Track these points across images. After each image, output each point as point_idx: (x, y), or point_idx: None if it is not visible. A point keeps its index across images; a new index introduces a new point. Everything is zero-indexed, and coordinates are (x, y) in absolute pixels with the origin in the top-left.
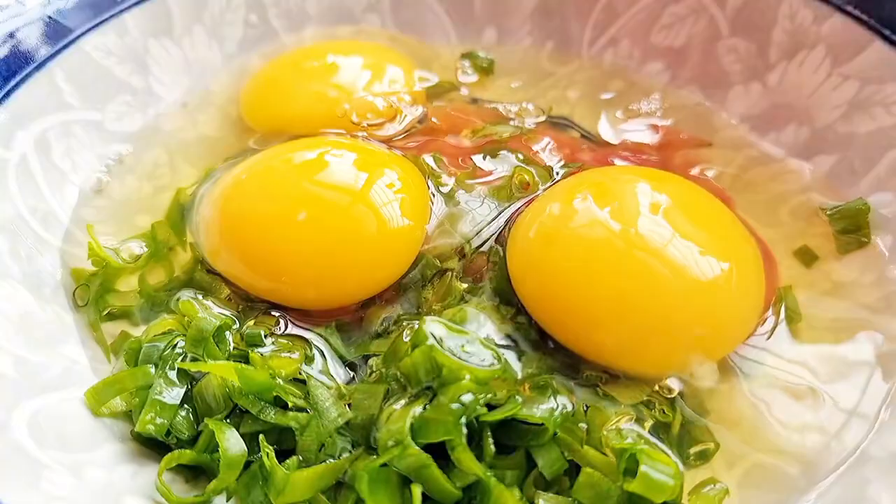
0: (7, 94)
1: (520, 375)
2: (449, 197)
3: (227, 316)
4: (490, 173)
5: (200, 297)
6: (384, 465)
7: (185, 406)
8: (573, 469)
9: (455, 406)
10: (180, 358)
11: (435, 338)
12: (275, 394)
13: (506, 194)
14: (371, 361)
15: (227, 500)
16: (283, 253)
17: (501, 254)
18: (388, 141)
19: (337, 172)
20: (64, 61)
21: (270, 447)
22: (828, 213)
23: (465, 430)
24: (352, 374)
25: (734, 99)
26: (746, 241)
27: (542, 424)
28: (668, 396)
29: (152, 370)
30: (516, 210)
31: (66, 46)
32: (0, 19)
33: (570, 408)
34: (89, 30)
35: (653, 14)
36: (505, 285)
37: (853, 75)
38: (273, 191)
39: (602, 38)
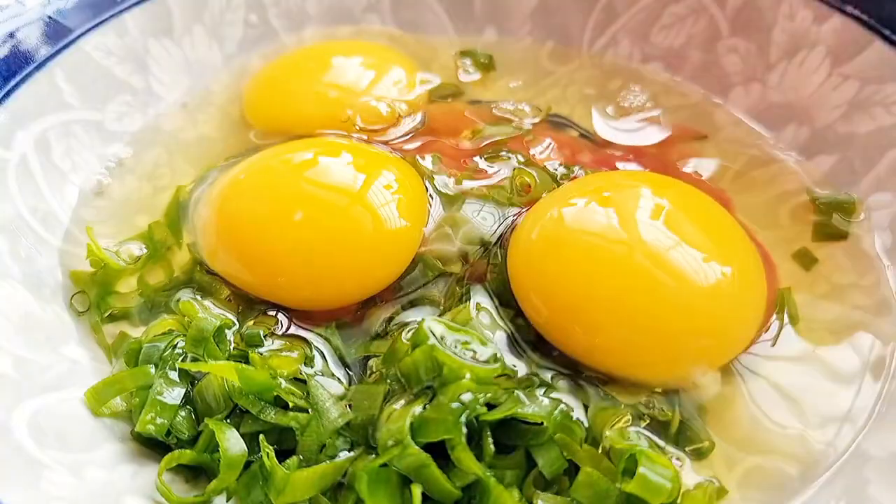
0: (7, 94)
1: (519, 375)
2: (448, 198)
3: (226, 316)
4: (490, 175)
5: (200, 297)
6: (384, 465)
7: (186, 406)
8: (573, 469)
9: (455, 405)
10: (180, 358)
11: (436, 337)
12: (275, 394)
13: (506, 196)
14: (371, 362)
15: (227, 500)
16: (281, 253)
17: (501, 257)
18: (387, 142)
19: (334, 173)
20: (64, 61)
21: (270, 447)
22: (818, 201)
23: (464, 430)
24: (351, 374)
25: (734, 99)
26: (747, 248)
27: (542, 424)
28: (668, 396)
29: (152, 370)
30: (517, 213)
31: (66, 46)
32: (0, 19)
33: (569, 408)
34: (89, 30)
35: (653, 14)
36: (505, 288)
37: (853, 75)
38: (271, 191)
39: (602, 38)
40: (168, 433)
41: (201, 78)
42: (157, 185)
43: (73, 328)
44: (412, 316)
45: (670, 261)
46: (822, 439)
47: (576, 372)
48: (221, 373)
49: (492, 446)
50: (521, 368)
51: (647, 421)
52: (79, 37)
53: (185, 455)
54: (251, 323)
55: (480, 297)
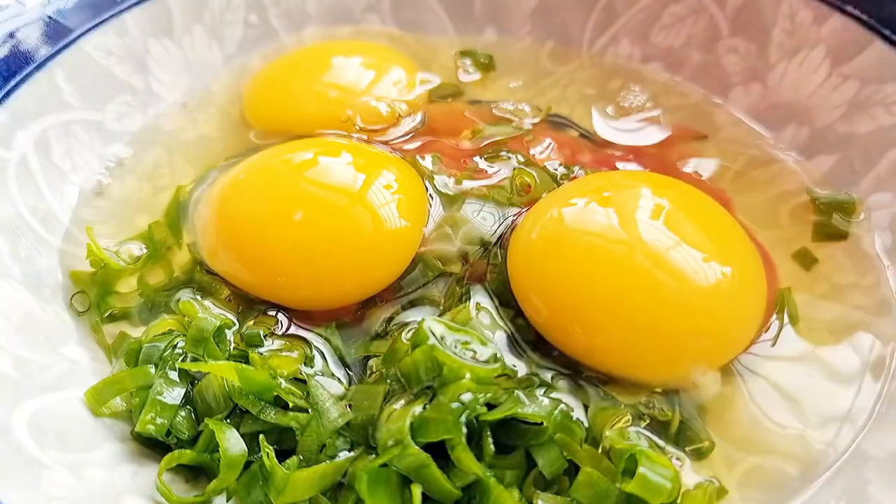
0: (7, 94)
1: (520, 375)
2: (448, 198)
3: (226, 316)
4: (490, 175)
5: (200, 297)
6: (384, 465)
7: (186, 406)
8: (573, 469)
9: (455, 405)
10: (180, 358)
11: (436, 337)
12: (275, 394)
13: (506, 196)
14: (371, 362)
15: (227, 500)
16: (281, 253)
17: (501, 257)
18: (387, 142)
19: (334, 173)
20: (64, 61)
21: (270, 447)
22: (818, 201)
23: (464, 430)
24: (351, 374)
25: (734, 99)
26: (747, 248)
27: (542, 424)
28: (668, 396)
29: (152, 370)
30: (517, 213)
31: (66, 46)
32: (0, 19)
33: (569, 407)
34: (89, 30)
35: (653, 14)
36: (505, 288)
37: (853, 75)
38: (271, 191)
39: (602, 38)
40: (168, 433)
41: (201, 78)
42: (157, 185)
43: (73, 328)
44: (412, 316)
45: (670, 261)
46: (822, 439)
47: (576, 372)
48: (221, 373)
49: (492, 446)
50: (521, 368)
51: (647, 421)
52: (79, 37)
53: (185, 455)
54: (251, 323)
55: (480, 297)
